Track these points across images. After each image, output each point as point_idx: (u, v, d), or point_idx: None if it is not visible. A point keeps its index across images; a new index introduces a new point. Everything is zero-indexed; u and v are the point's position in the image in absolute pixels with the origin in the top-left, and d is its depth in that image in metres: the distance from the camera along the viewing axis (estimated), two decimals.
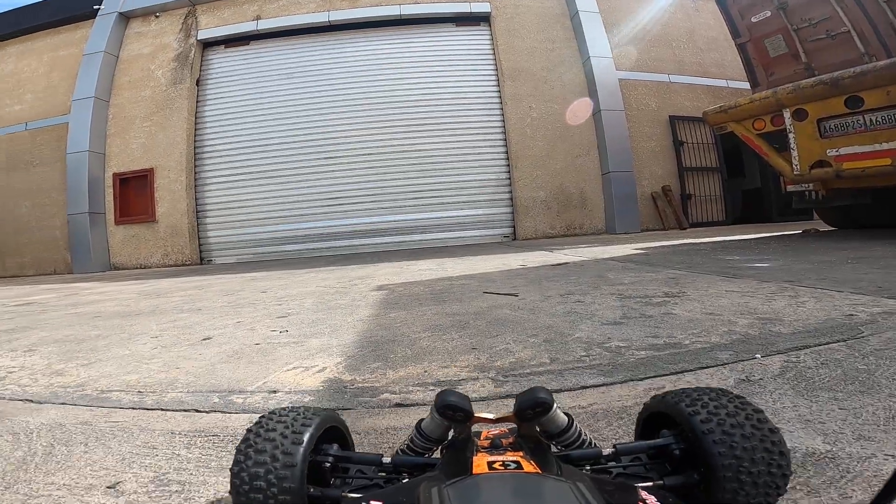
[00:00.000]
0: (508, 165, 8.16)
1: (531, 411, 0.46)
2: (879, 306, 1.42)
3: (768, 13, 5.29)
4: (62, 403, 1.05)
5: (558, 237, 7.93)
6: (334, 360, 1.23)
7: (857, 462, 0.58)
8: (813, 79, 4.33)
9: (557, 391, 0.90)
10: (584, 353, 1.11)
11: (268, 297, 2.68)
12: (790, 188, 4.90)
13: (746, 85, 5.81)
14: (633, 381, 0.92)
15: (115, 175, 8.13)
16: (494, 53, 8.48)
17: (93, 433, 0.86)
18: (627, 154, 7.99)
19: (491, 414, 0.49)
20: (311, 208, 8.09)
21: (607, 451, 0.49)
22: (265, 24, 9.06)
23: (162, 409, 0.97)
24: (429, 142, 8.22)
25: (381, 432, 0.78)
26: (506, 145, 8.19)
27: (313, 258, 7.26)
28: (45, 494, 0.64)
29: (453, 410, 0.46)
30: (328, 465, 0.48)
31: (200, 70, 8.99)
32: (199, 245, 8.05)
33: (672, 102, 8.62)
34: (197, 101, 8.67)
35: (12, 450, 0.80)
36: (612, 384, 0.91)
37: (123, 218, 8.00)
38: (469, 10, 8.57)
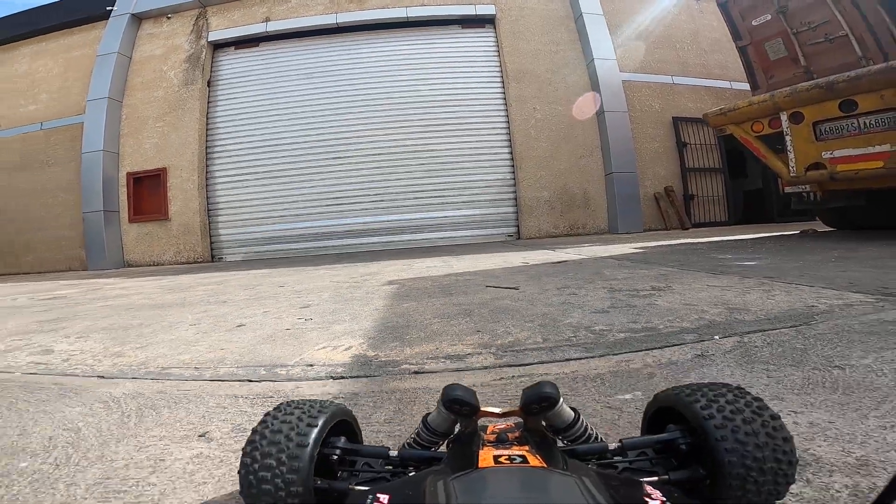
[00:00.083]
0: (513, 166, 8.36)
1: (537, 406, 0.46)
2: (842, 299, 1.61)
3: (769, 17, 5.43)
4: (133, 378, 1.26)
5: (562, 236, 8.11)
6: (358, 340, 1.44)
7: (814, 447, 0.78)
8: (809, 82, 4.47)
9: (548, 362, 1.10)
10: (572, 335, 1.32)
11: (286, 291, 2.89)
12: (787, 189, 5.04)
13: (749, 87, 5.97)
14: (608, 355, 1.13)
15: (128, 174, 8.41)
16: (499, 55, 8.67)
17: (170, 399, 1.07)
18: (630, 155, 8.16)
19: (497, 408, 0.50)
20: (319, 207, 8.33)
21: (613, 445, 0.49)
22: (274, 26, 9.29)
23: (220, 381, 1.18)
24: (434, 142, 8.43)
25: (404, 391, 0.99)
26: (510, 146, 8.38)
27: (321, 256, 7.50)
28: (152, 444, 0.83)
29: (459, 405, 0.47)
30: (336, 457, 0.49)
31: (211, 71, 9.24)
32: (211, 243, 8.31)
33: (675, 104, 8.78)
34: (208, 102, 8.93)
35: (108, 413, 1.01)
36: (591, 357, 1.12)
37: (137, 216, 8.28)
38: (474, 13, 8.77)
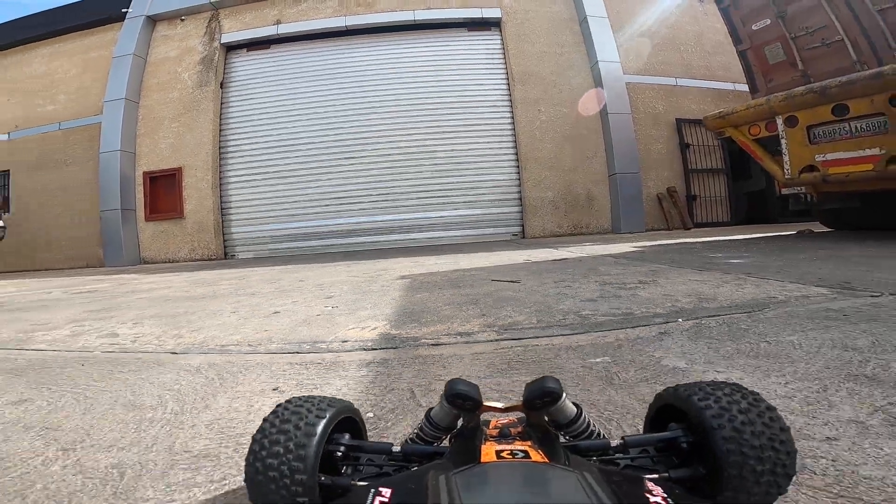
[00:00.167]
0: (518, 166, 8.62)
1: (540, 401, 0.47)
2: (802, 292, 1.86)
3: (768, 21, 5.62)
4: (200, 353, 1.54)
5: (565, 236, 8.36)
6: (381, 322, 1.72)
7: (698, 374, 1.04)
8: (803, 87, 4.66)
9: (539, 337, 1.37)
10: (562, 318, 1.59)
11: (307, 284, 3.18)
12: (784, 191, 5.25)
13: (748, 90, 6.17)
14: (589, 332, 1.39)
15: (145, 174, 8.76)
16: (505, 58, 8.93)
17: (240, 367, 1.34)
18: (634, 156, 8.39)
19: (500, 403, 0.51)
20: (329, 206, 8.64)
21: (615, 442, 0.50)
22: (285, 29, 9.58)
23: (273, 353, 1.46)
24: (440, 142, 8.70)
25: (425, 357, 1.26)
26: (515, 147, 8.64)
27: (331, 254, 7.80)
28: (240, 396, 1.09)
29: (462, 399, 0.48)
30: (340, 453, 0.50)
31: (224, 73, 9.56)
32: (224, 240, 8.65)
33: (679, 105, 8.99)
34: (221, 103, 9.25)
35: (196, 377, 1.28)
36: (574, 334, 1.39)
37: (153, 214, 8.64)
38: (481, 16, 9.03)
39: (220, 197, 8.73)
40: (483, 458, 0.39)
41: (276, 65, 9.64)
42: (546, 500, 0.31)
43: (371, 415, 0.90)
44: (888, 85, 3.94)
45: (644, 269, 2.79)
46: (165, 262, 8.55)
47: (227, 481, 0.69)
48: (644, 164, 8.58)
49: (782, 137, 4.89)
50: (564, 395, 0.50)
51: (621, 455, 0.50)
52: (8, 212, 9.46)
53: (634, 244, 5.23)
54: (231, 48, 9.81)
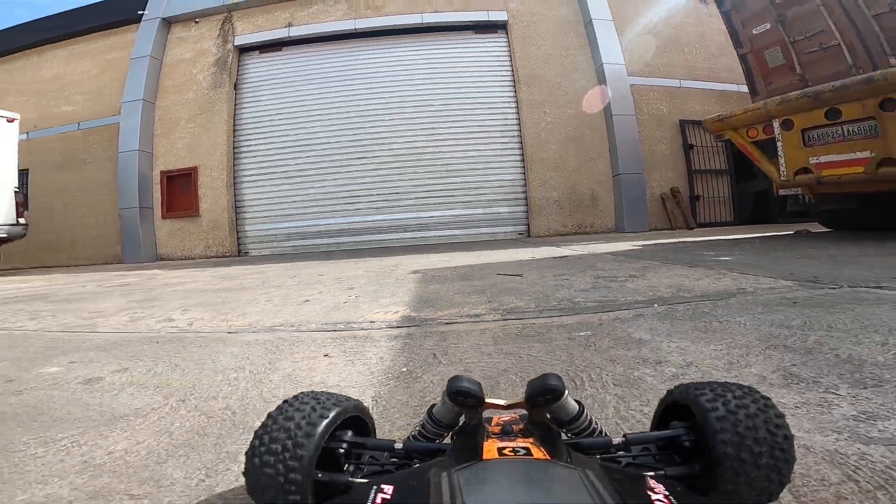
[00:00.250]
0: (524, 167, 8.90)
1: (542, 398, 0.47)
2: (770, 284, 2.13)
3: (768, 25, 5.82)
4: (252, 332, 1.84)
5: (570, 235, 8.63)
6: (401, 307, 2.03)
7: (657, 343, 1.33)
8: (797, 91, 4.87)
9: (536, 318, 1.67)
10: (557, 304, 1.88)
11: (327, 278, 3.49)
12: (781, 192, 5.47)
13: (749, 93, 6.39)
14: (577, 314, 1.69)
15: (162, 173, 9.15)
16: (511, 60, 9.21)
17: (291, 341, 1.65)
18: (638, 157, 8.64)
19: (502, 400, 0.51)
20: (339, 205, 8.98)
21: (617, 440, 0.51)
22: (296, 31, 9.89)
23: (314, 331, 1.76)
24: (448, 143, 9.00)
25: (441, 332, 1.56)
26: (521, 148, 8.92)
27: (342, 251, 8.13)
28: (299, 360, 1.39)
29: (464, 396, 0.48)
30: (342, 451, 0.51)
31: (238, 74, 9.90)
32: (238, 238, 9.02)
33: (683, 107, 9.23)
34: (235, 104, 9.60)
35: (258, 349, 1.59)
36: (565, 315, 1.68)
37: (170, 213, 9.02)
38: (487, 19, 9.30)
39: (234, 195, 9.10)
40: (485, 456, 0.40)
41: (288, 67, 9.95)
42: (548, 497, 0.31)
43: (405, 369, 1.21)
44: (879, 90, 4.13)
45: (637, 266, 3.07)
46: (182, 258, 8.93)
47: None
48: (648, 165, 8.83)
49: (778, 140, 5.09)
50: (567, 392, 0.50)
51: (623, 453, 0.51)
52: (27, 209, 9.88)
53: (634, 243, 5.49)
54: (244, 50, 10.12)
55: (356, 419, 0.57)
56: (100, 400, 1.11)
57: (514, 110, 9.06)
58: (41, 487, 0.70)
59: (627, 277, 2.52)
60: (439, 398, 0.56)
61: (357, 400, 0.58)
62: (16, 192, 7.65)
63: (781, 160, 5.14)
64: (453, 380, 0.49)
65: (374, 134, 9.17)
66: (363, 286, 2.86)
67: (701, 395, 0.50)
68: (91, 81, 10.33)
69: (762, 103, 5.22)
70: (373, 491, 0.37)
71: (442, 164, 8.95)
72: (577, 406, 0.54)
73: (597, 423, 0.56)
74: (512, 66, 9.19)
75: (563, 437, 0.52)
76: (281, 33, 9.92)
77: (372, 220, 8.95)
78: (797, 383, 0.95)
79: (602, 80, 8.73)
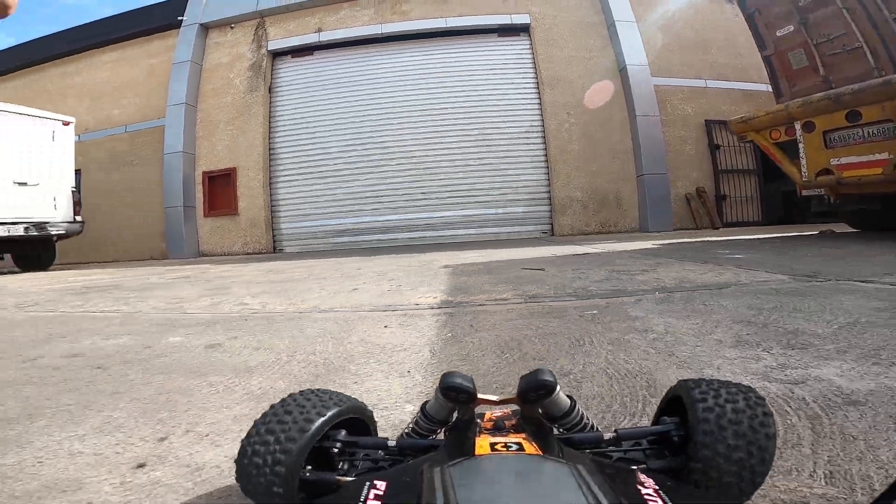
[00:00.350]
0: (547, 167, 9.20)
1: (534, 393, 0.49)
2: (766, 278, 2.44)
3: (791, 28, 5.97)
4: (319, 312, 2.28)
5: (593, 234, 8.89)
6: (440, 294, 2.43)
7: (647, 319, 1.69)
8: (819, 94, 5.03)
9: (554, 301, 2.04)
10: (572, 291, 2.25)
11: (365, 271, 3.93)
12: (804, 193, 5.61)
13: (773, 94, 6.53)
14: (589, 299, 2.05)
15: (203, 173, 9.85)
16: (534, 62, 9.52)
17: (353, 319, 2.07)
18: (662, 157, 8.83)
19: (494, 396, 0.52)
20: (370, 205, 9.49)
21: (608, 435, 0.53)
22: (326, 36, 10.42)
23: (369, 311, 2.18)
24: (473, 144, 9.38)
25: (475, 311, 1.96)
26: (545, 149, 9.23)
27: (372, 248, 8.62)
28: (366, 329, 1.81)
29: (457, 392, 0.49)
30: (336, 450, 0.53)
31: (272, 78, 10.51)
32: (273, 235, 9.63)
33: (709, 107, 9.34)
34: (270, 107, 10.21)
35: (332, 324, 2.02)
36: (578, 300, 2.05)
37: (211, 211, 9.72)
38: (510, 22, 9.63)
39: (270, 195, 9.73)
40: (478, 451, 0.40)
41: (319, 70, 10.50)
42: (540, 491, 0.32)
43: (450, 334, 1.60)
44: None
45: (651, 262, 3.39)
46: (221, 254, 9.61)
47: (379, 368, 1.40)
48: (672, 165, 9.00)
49: (800, 142, 5.26)
50: (559, 387, 0.51)
51: (614, 448, 0.52)
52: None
53: (655, 242, 5.75)
54: (277, 55, 10.72)
55: (355, 420, 0.59)
56: (228, 358, 1.53)
57: (537, 112, 9.37)
58: (226, 411, 1.04)
59: (639, 272, 2.86)
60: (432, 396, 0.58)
61: (357, 400, 0.60)
62: (73, 191, 8.40)
63: (803, 161, 5.29)
64: (446, 376, 0.50)
65: (400, 136, 9.63)
66: (401, 278, 3.28)
67: (692, 384, 0.54)
68: (137, 85, 11.10)
69: (784, 105, 5.39)
70: (366, 487, 0.38)
71: (467, 165, 9.34)
72: (568, 401, 0.55)
73: (588, 419, 0.58)
74: (535, 68, 9.50)
75: (555, 432, 0.54)
76: (311, 38, 10.45)
77: (400, 220, 9.42)
78: (743, 345, 1.30)
79: (626, 80, 8.95)
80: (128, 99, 11.11)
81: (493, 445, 0.42)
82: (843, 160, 4.97)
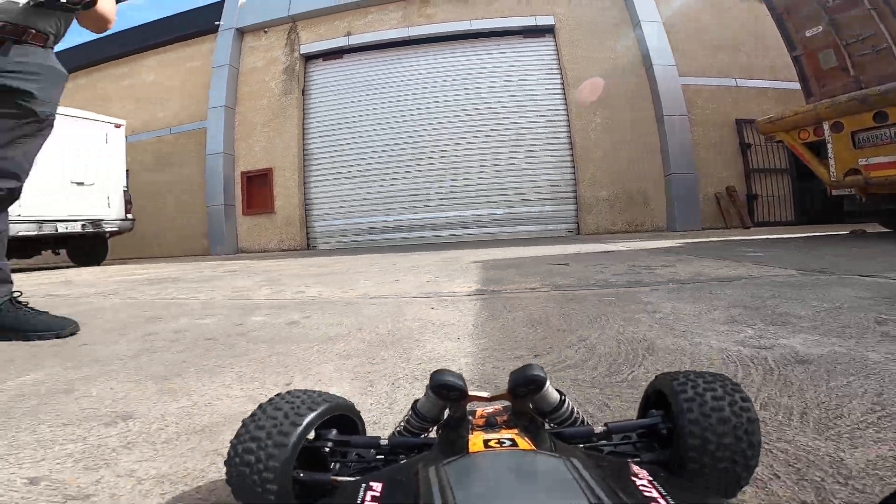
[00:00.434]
0: (573, 166, 9.43)
1: (524, 389, 0.50)
2: (777, 273, 2.69)
3: (820, 28, 6.05)
4: (370, 298, 2.65)
5: (620, 233, 9.06)
6: (474, 284, 2.78)
7: (656, 303, 1.99)
8: (846, 95, 5.15)
9: (577, 290, 2.35)
10: (594, 282, 2.56)
11: (401, 266, 4.31)
12: (834, 192, 5.71)
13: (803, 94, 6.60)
14: (608, 288, 2.36)
15: (242, 173, 10.49)
16: (559, 63, 9.73)
17: (404, 302, 2.43)
18: (690, 157, 8.93)
19: (485, 392, 0.53)
20: (399, 203, 9.92)
21: (599, 429, 0.54)
22: (355, 40, 10.88)
23: (414, 298, 2.54)
24: (500, 144, 9.68)
25: (506, 298, 2.29)
26: (571, 148, 9.46)
27: (402, 246, 9.03)
28: (416, 310, 2.18)
29: (447, 389, 0.50)
30: (327, 450, 0.53)
31: (305, 81, 11.04)
32: (307, 233, 10.18)
33: (739, 106, 9.37)
34: (303, 109, 10.76)
35: (387, 307, 2.39)
36: (599, 289, 2.36)
37: (249, 210, 10.34)
38: (534, 24, 9.87)
39: (304, 194, 10.28)
40: (471, 448, 0.41)
41: (349, 73, 10.98)
42: (538, 486, 0.32)
43: (487, 314, 1.95)
44: None
45: (671, 258, 3.65)
46: (259, 251, 10.21)
47: (434, 337, 1.76)
48: (701, 164, 9.08)
49: (828, 142, 5.37)
50: (548, 382, 0.52)
51: (605, 442, 0.54)
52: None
53: (680, 241, 5.94)
54: (309, 58, 11.25)
55: (345, 419, 0.59)
56: (308, 332, 1.89)
57: (563, 112, 9.60)
58: (326, 365, 1.39)
59: (658, 266, 3.13)
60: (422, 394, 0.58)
61: (344, 398, 0.60)
62: (124, 191, 9.11)
63: (831, 161, 5.40)
64: (436, 374, 0.51)
65: (429, 136, 10.01)
66: (436, 272, 3.64)
67: (671, 377, 0.55)
68: (180, 88, 11.81)
69: (812, 106, 5.52)
70: (362, 489, 0.38)
71: (494, 165, 9.65)
72: (558, 396, 0.56)
73: (578, 413, 0.59)
74: (560, 68, 9.72)
75: (546, 426, 0.54)
76: (341, 41, 10.92)
77: (428, 218, 9.81)
78: (733, 323, 1.59)
79: (652, 80, 9.08)
80: (171, 101, 11.83)
81: (486, 442, 0.43)
82: (871, 160, 5.08)
